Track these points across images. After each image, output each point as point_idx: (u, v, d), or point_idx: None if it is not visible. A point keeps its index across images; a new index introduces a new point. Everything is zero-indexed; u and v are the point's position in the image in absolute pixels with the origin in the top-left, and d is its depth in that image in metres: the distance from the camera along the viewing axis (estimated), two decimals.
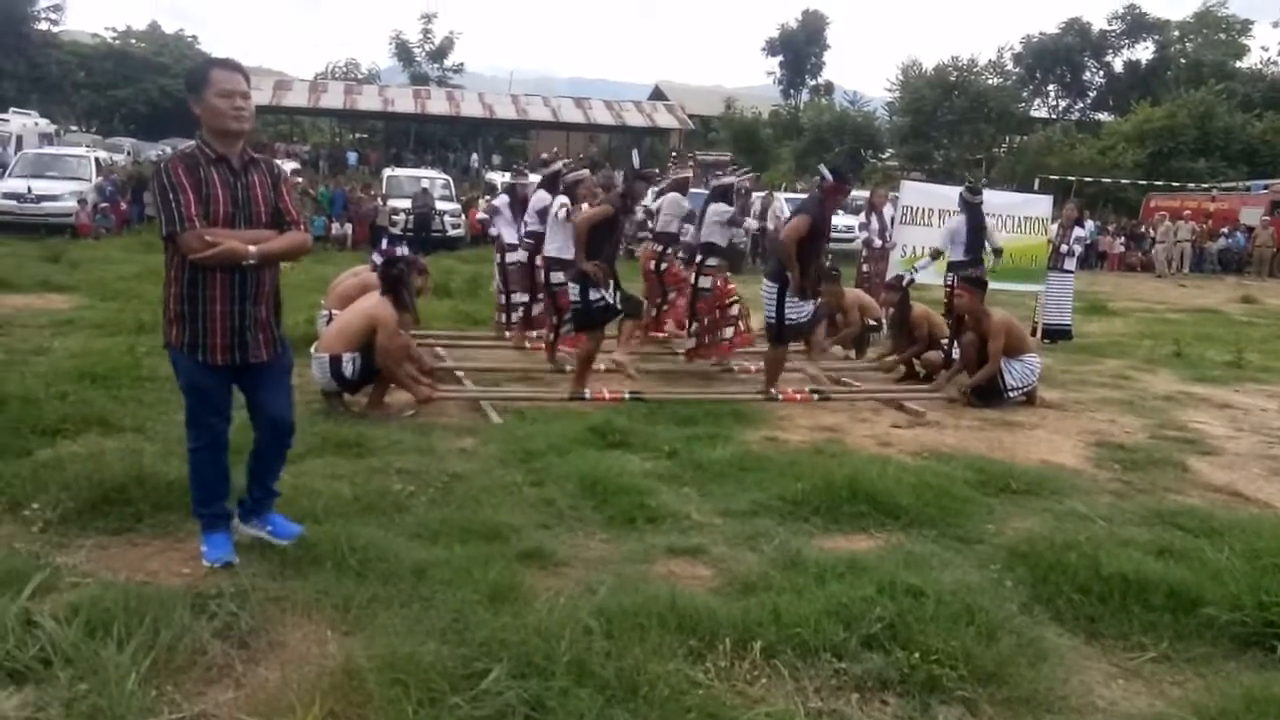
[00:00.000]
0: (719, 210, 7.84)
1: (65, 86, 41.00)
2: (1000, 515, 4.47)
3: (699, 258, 7.93)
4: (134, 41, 46.20)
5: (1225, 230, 26.25)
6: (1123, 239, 25.97)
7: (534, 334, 8.49)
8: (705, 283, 7.88)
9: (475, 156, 40.19)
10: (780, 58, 49.24)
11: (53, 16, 40.05)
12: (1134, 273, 24.38)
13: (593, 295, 6.46)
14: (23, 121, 25.47)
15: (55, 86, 40.00)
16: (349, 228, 19.94)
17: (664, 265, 8.21)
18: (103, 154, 23.95)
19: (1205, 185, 29.34)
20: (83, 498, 3.82)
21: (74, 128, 37.96)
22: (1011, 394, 7.04)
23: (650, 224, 9.10)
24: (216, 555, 3.38)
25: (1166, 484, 5.20)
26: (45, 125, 27.13)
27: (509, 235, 8.70)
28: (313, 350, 5.84)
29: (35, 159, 19.53)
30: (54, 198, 17.62)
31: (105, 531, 3.68)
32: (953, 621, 3.05)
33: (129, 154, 31.34)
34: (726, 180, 8.35)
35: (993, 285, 7.82)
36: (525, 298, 8.55)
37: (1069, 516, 4.44)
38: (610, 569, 3.57)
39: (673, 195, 8.37)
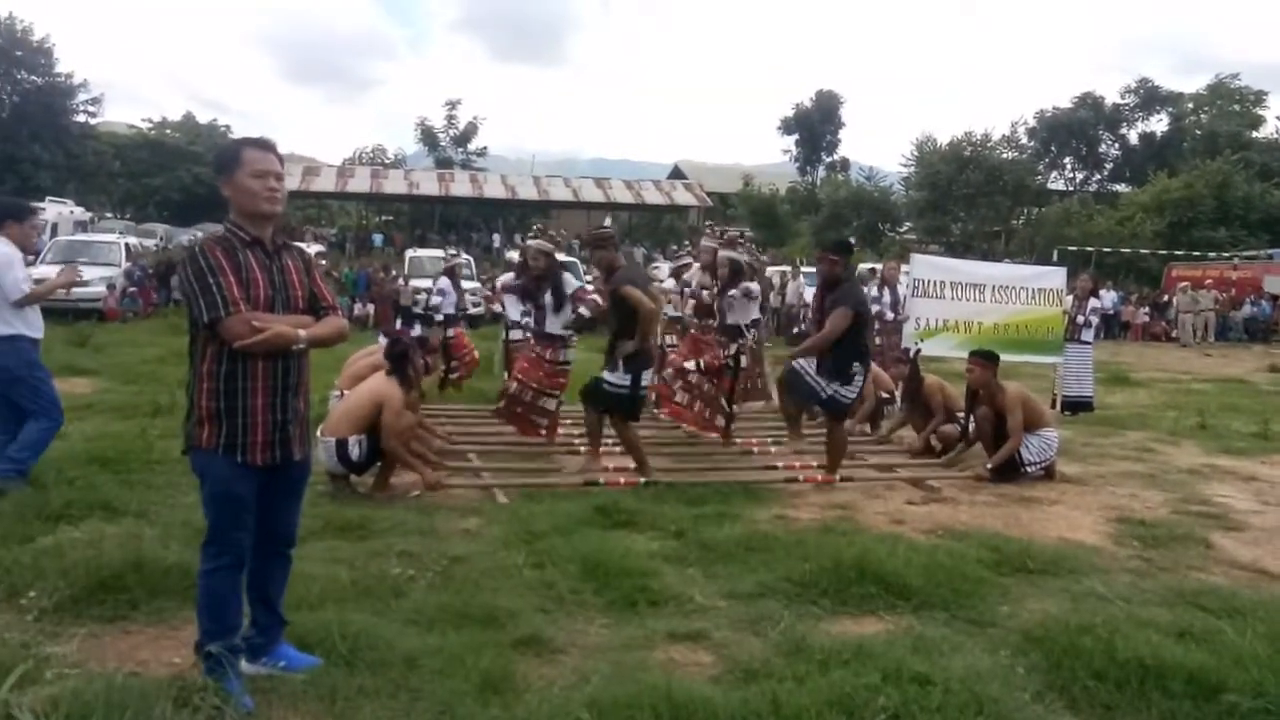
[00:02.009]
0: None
1: (101, 175, 42.44)
2: (1015, 596, 4.34)
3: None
4: (169, 131, 47.91)
5: (1250, 298, 26.07)
6: (1146, 309, 25.86)
7: None
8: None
9: (497, 236, 40.87)
10: (796, 136, 50.07)
11: (90, 109, 41.67)
12: (1158, 342, 24.18)
13: None
14: (59, 210, 26.29)
15: (91, 175, 41.43)
16: (370, 307, 20.27)
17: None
18: (133, 240, 24.60)
19: (1226, 254, 29.24)
20: (79, 585, 3.78)
21: (109, 214, 39.09)
22: (1029, 469, 6.90)
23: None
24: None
25: (1189, 562, 5.03)
26: (80, 213, 28.02)
27: (513, 313, 8.77)
28: (319, 433, 5.84)
29: (67, 245, 20.02)
30: (83, 283, 17.99)
31: (100, 620, 3.64)
32: (960, 711, 2.93)
33: (161, 239, 32.18)
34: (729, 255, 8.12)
35: (1009, 357, 7.73)
36: None
37: (1086, 597, 4.29)
38: (608, 656, 3.48)
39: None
